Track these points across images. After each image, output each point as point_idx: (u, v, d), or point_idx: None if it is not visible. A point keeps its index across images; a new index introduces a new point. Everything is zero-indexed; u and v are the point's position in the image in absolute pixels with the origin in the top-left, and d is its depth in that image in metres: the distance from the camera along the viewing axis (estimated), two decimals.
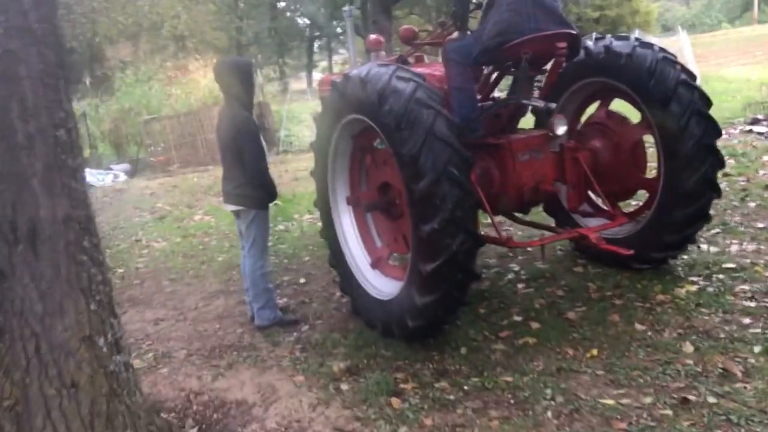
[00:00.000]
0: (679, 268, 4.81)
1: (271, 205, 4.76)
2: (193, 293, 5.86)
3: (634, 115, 4.77)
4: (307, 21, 44.62)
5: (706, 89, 4.48)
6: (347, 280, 4.65)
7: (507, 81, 4.92)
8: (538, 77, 4.53)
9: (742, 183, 6.87)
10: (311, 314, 4.96)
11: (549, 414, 3.26)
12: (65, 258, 2.39)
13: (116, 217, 10.07)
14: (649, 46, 4.49)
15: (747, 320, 3.93)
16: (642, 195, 5.18)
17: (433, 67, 4.95)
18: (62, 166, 2.39)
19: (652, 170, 4.88)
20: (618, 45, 4.53)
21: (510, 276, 5.25)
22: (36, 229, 2.33)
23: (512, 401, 3.43)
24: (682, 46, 17.45)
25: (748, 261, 4.78)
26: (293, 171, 12.47)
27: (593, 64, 4.64)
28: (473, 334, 4.23)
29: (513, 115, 4.72)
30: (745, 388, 3.26)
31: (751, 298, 4.21)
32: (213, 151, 15.04)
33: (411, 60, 5.28)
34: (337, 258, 4.73)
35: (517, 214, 5.04)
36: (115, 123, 18.68)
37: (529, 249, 5.58)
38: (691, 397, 3.21)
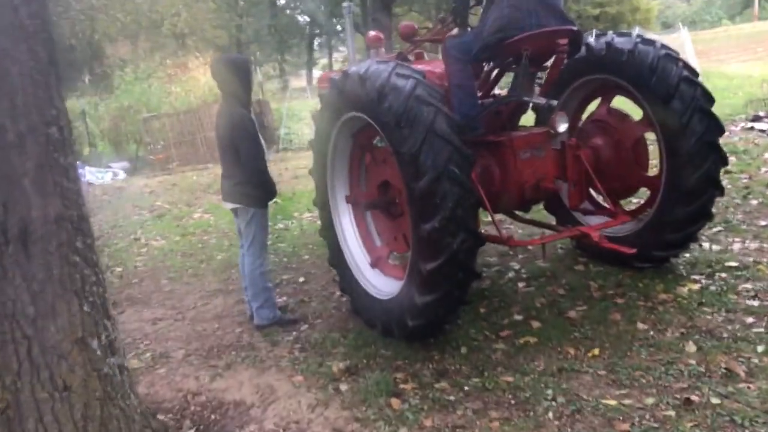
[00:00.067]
0: (681, 267, 4.77)
1: (270, 203, 4.73)
2: (192, 292, 5.82)
3: (635, 113, 4.72)
4: (307, 18, 44.54)
5: (708, 86, 4.44)
6: (347, 280, 4.62)
7: (507, 78, 4.87)
8: (539, 74, 4.49)
9: (744, 180, 6.83)
10: (310, 313, 4.92)
11: (550, 415, 3.23)
12: (57, 259, 2.35)
13: (115, 215, 10.04)
14: (651, 42, 4.45)
15: (750, 319, 3.90)
16: (644, 193, 5.14)
17: (433, 64, 4.91)
18: (54, 165, 2.34)
19: (653, 168, 4.84)
20: (619, 42, 4.49)
21: (510, 274, 5.22)
22: (27, 229, 2.28)
23: (513, 402, 3.39)
24: (683, 43, 17.39)
25: (751, 259, 4.74)
26: (293, 169, 12.44)
27: (594, 61, 4.60)
28: (474, 333, 4.20)
29: (514, 112, 4.67)
30: (748, 388, 3.23)
31: (754, 297, 4.17)
32: (212, 149, 15.01)
33: (411, 57, 5.23)
34: (337, 257, 4.69)
35: (517, 213, 5.00)
36: (114, 121, 18.64)
37: (529, 247, 5.55)
38: (695, 398, 3.17)
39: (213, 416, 3.59)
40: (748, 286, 4.33)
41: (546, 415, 3.22)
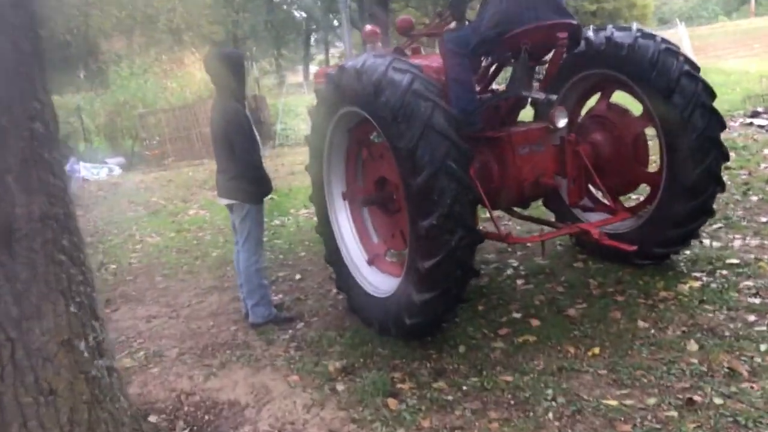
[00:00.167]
0: (682, 264, 4.72)
1: (266, 199, 4.67)
2: (187, 289, 5.76)
3: (635, 108, 4.66)
4: (304, 14, 44.40)
5: None
6: (343, 277, 4.56)
7: (505, 74, 4.81)
8: (538, 69, 4.43)
9: (744, 176, 6.78)
10: (307, 312, 4.86)
11: (550, 415, 3.17)
12: (43, 258, 2.27)
13: (110, 211, 9.96)
14: (651, 36, 4.39)
15: (752, 317, 3.85)
16: (643, 189, 5.08)
17: (431, 59, 4.84)
18: (39, 161, 2.26)
19: (653, 163, 4.78)
20: (619, 36, 4.43)
21: (509, 272, 5.16)
22: (11, 227, 2.20)
23: (512, 402, 3.34)
24: (681, 39, 17.35)
25: (752, 256, 4.69)
26: (289, 165, 12.37)
27: (594, 55, 4.54)
28: (472, 331, 4.14)
29: (512, 107, 4.60)
30: (752, 388, 3.18)
31: (755, 295, 4.12)
32: (208, 145, 14.85)
33: (408, 52, 5.16)
34: (333, 254, 4.63)
35: (516, 209, 4.94)
36: (110, 116, 18.51)
37: (528, 244, 5.49)
38: (697, 398, 3.12)
39: (207, 417, 3.53)
40: (750, 283, 4.28)
41: (546, 416, 3.17)
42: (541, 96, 4.20)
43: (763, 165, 7.15)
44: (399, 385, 3.59)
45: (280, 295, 5.24)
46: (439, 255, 3.51)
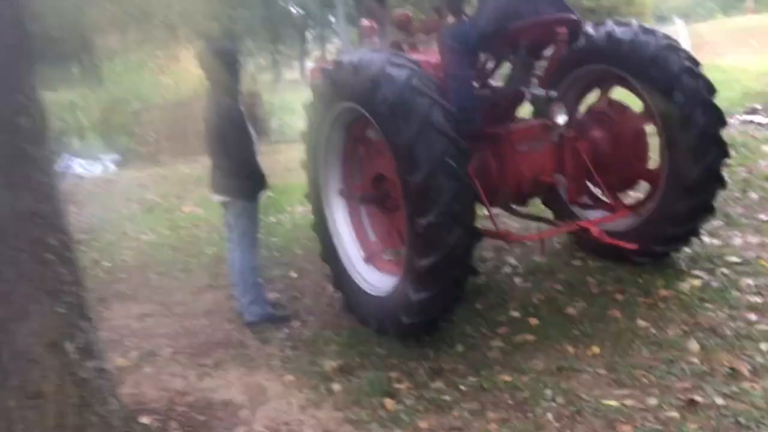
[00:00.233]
0: (682, 262, 4.67)
1: (262, 196, 4.61)
2: (181, 287, 5.69)
3: (635, 104, 4.60)
4: (301, 11, 44.25)
5: None
6: (340, 276, 4.50)
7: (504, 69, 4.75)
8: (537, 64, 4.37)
9: (743, 174, 6.72)
10: (303, 310, 4.81)
11: (550, 416, 3.14)
12: (28, 257, 2.20)
13: (104, 208, 9.86)
14: (652, 32, 4.34)
15: (753, 316, 3.81)
16: (643, 186, 5.03)
17: (428, 54, 4.78)
18: (25, 157, 2.19)
19: (653, 161, 4.74)
20: (620, 31, 4.37)
21: (507, 270, 5.11)
22: None
23: (511, 402, 3.30)
24: (679, 36, 17.31)
25: (753, 254, 4.64)
26: (285, 161, 12.26)
27: (594, 51, 4.48)
28: (470, 331, 4.10)
29: (511, 103, 4.54)
30: (753, 388, 3.14)
31: (756, 293, 4.08)
32: (204, 141, 14.83)
33: (405, 47, 5.10)
34: (330, 252, 4.58)
35: (514, 207, 4.88)
36: (104, 112, 18.39)
37: (527, 242, 5.43)
38: (698, 398, 3.09)
39: (201, 417, 3.47)
40: (750, 281, 4.24)
41: (545, 416, 3.13)
42: (542, 92, 4.16)
43: (762, 162, 7.09)
44: (396, 385, 3.55)
45: (276, 294, 5.17)
46: (437, 254, 3.47)
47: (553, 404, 3.22)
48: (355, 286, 4.33)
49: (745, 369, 3.29)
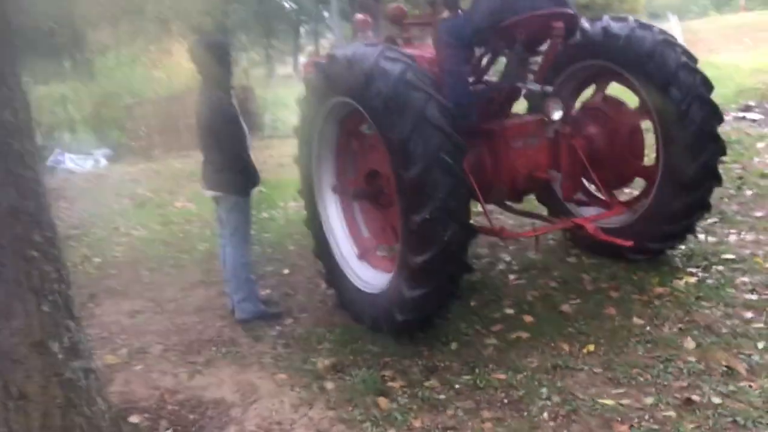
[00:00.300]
0: (677, 259, 4.65)
1: (254, 191, 4.55)
2: (173, 284, 5.62)
3: (632, 100, 4.57)
4: (294, 6, 44.04)
5: None
6: (333, 272, 4.45)
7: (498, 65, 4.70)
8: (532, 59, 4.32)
9: (738, 171, 6.71)
10: (295, 307, 4.75)
11: (545, 415, 3.10)
12: (11, 254, 2.14)
13: (95, 203, 9.76)
14: (649, 27, 4.30)
15: (749, 314, 3.79)
16: (639, 183, 5.00)
17: (423, 49, 4.72)
18: (7, 151, 2.12)
19: (649, 157, 4.71)
20: (616, 26, 4.34)
21: (501, 266, 5.08)
22: None
23: (506, 401, 3.27)
24: (673, 33, 17.30)
25: (748, 252, 4.63)
26: (278, 156, 12.18)
27: (590, 46, 4.44)
28: (464, 328, 4.06)
29: (506, 99, 4.50)
30: (750, 386, 3.12)
31: (752, 291, 4.07)
32: (196, 136, 14.73)
33: (399, 41, 5.04)
34: (323, 249, 4.52)
35: (509, 203, 4.84)
36: (95, 107, 18.24)
37: (521, 239, 5.40)
38: (695, 397, 3.06)
39: (191, 416, 3.42)
40: (746, 279, 4.22)
41: (541, 416, 3.10)
42: (538, 87, 4.11)
43: (756, 159, 7.09)
44: (390, 384, 3.51)
45: (268, 291, 5.11)
46: (431, 250, 3.42)
47: (549, 403, 3.19)
48: (349, 283, 4.28)
49: (741, 368, 3.27)
